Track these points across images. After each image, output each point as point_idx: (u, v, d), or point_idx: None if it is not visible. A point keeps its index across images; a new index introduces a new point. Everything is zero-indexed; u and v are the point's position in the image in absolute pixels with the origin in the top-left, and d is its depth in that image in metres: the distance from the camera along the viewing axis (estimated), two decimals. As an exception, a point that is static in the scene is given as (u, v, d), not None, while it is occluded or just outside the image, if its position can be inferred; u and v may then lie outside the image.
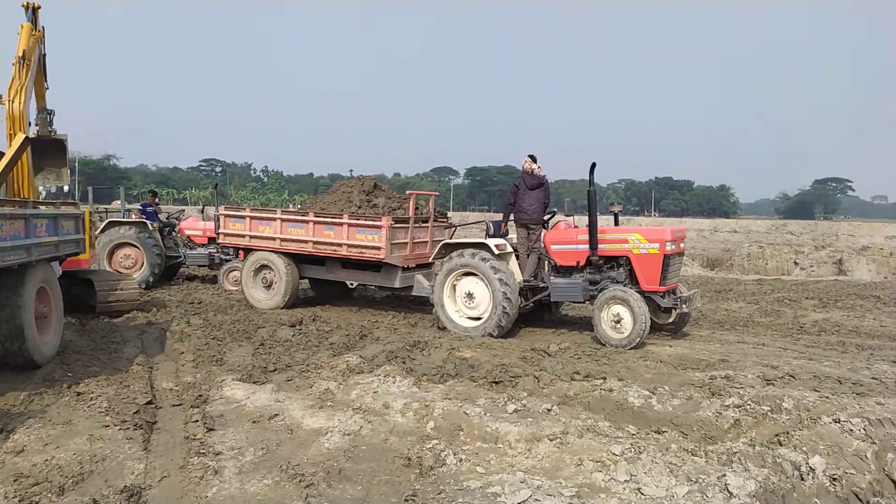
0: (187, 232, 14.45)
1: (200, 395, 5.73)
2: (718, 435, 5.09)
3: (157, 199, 15.08)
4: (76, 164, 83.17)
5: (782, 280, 16.83)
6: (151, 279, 13.48)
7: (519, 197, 8.96)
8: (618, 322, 8.00)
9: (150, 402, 5.45)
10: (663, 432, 5.07)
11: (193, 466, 4.13)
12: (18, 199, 6.69)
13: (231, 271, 12.97)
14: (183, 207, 16.72)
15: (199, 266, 14.48)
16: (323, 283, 11.78)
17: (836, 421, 4.91)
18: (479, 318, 8.93)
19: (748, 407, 5.40)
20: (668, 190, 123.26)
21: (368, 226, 9.65)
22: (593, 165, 8.35)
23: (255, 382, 6.34)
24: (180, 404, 5.56)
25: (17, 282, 6.22)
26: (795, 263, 23.45)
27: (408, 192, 10.33)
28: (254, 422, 5.09)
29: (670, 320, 8.81)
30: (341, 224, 9.81)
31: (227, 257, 13.55)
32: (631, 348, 7.84)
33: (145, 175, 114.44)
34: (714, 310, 11.16)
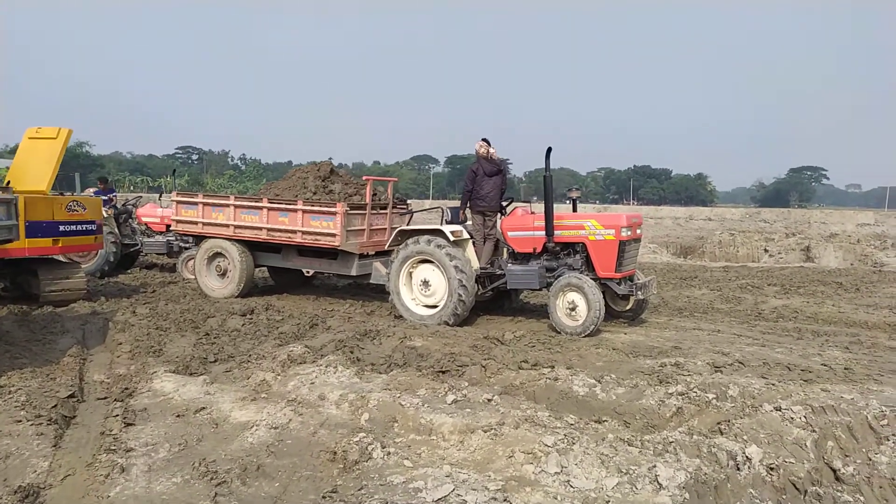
0: (144, 219, 14.10)
1: (127, 388, 5.50)
2: (660, 423, 4.98)
3: (108, 186, 14.65)
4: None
5: (748, 267, 16.86)
6: (106, 267, 13.14)
7: (477, 183, 8.77)
8: (573, 309, 7.87)
9: (72, 396, 5.20)
10: (603, 422, 4.94)
11: (101, 464, 3.91)
12: None
13: (189, 259, 12.64)
14: (140, 194, 16.28)
15: (158, 254, 14.16)
16: (282, 272, 11.54)
17: (778, 409, 4.82)
18: (435, 307, 8.76)
19: (692, 395, 5.30)
20: (647, 178, 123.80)
21: (323, 212, 9.40)
22: (549, 150, 8.18)
23: (191, 374, 6.11)
24: (105, 398, 5.32)
25: (-63, 270, 5.91)
26: (765, 251, 23.59)
27: (364, 177, 10.09)
28: (178, 416, 4.86)
29: (628, 307, 8.70)
30: (295, 210, 9.55)
31: (186, 245, 13.20)
32: (585, 336, 7.72)
33: (119, 163, 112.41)
34: (676, 297, 11.09)
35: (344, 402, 5.13)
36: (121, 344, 7.12)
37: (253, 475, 3.90)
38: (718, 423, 4.80)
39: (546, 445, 4.22)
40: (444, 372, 6.09)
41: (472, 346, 7.06)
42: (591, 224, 8.12)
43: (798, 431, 4.54)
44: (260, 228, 9.90)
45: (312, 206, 9.50)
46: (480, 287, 8.79)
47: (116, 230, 13.59)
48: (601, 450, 4.20)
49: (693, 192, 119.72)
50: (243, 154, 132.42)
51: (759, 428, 4.64)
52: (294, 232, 9.63)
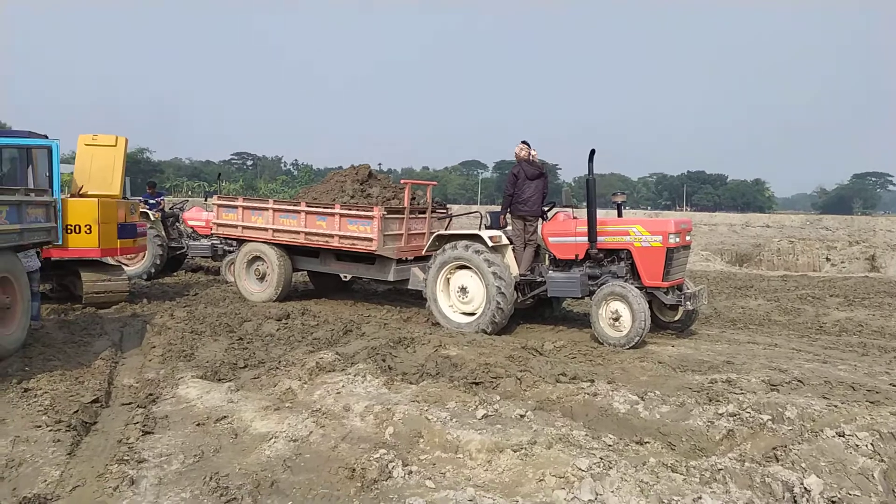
0: (191, 223, 14.24)
1: (151, 394, 5.39)
2: (708, 447, 4.58)
3: (156, 190, 14.88)
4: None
5: (809, 276, 16.02)
6: (153, 270, 13.32)
7: (518, 187, 8.47)
8: (616, 320, 7.48)
9: (95, 401, 5.12)
10: (645, 443, 4.57)
11: (111, 475, 3.76)
12: None
13: (232, 263, 12.68)
14: (187, 198, 16.51)
15: (203, 257, 14.27)
16: (321, 276, 11.44)
17: (841, 434, 4.37)
18: (472, 314, 8.48)
19: (745, 416, 4.88)
20: (701, 184, 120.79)
21: (360, 216, 9.24)
22: (592, 152, 7.82)
23: (219, 380, 5.99)
24: (130, 403, 5.22)
25: (-28, 271, 5.95)
26: (827, 260, 22.49)
27: (402, 181, 9.89)
28: (198, 424, 4.71)
29: (676, 318, 8.26)
30: (333, 214, 9.42)
31: (230, 249, 13.26)
32: (629, 348, 7.32)
33: (178, 168, 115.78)
34: (729, 307, 10.53)
35: (369, 414, 4.89)
36: (154, 347, 7.07)
37: (266, 492, 3.69)
38: (774, 449, 4.38)
39: (580, 469, 3.89)
40: (477, 384, 5.82)
41: (509, 357, 6.74)
42: (636, 230, 7.72)
43: (864, 460, 4.09)
44: (298, 232, 9.81)
45: (349, 209, 9.35)
46: (520, 294, 8.47)
47: (163, 233, 13.77)
48: (641, 476, 3.85)
49: (750, 198, 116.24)
50: (295, 159, 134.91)
51: (819, 455, 4.20)
52: (331, 236, 9.49)
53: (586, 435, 4.56)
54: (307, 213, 9.68)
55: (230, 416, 4.85)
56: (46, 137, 10.36)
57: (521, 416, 4.90)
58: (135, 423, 4.65)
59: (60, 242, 9.47)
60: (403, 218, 9.51)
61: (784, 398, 5.16)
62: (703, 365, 6.63)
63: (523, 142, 8.54)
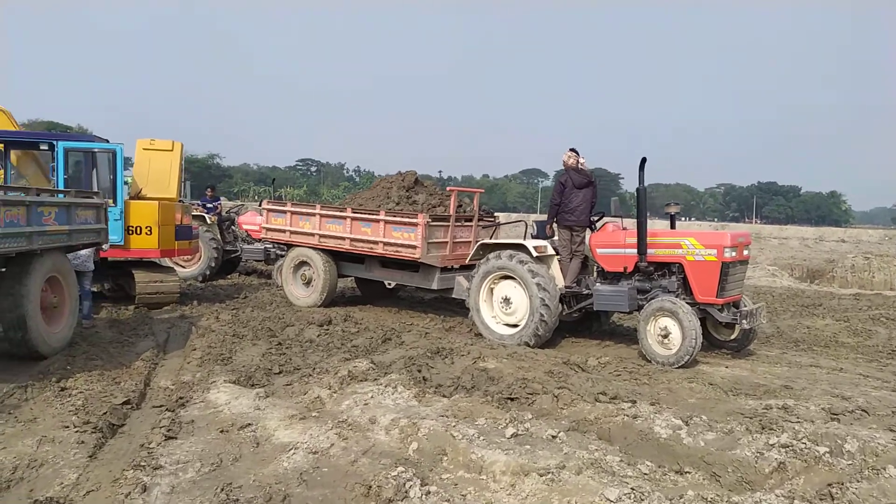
0: (245, 226, 14.47)
1: (181, 398, 5.39)
2: (756, 481, 4.22)
3: (214, 194, 15.21)
4: (183, 162, 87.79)
5: (884, 295, 15.00)
6: (208, 272, 13.61)
7: (565, 196, 8.19)
8: (665, 337, 7.11)
9: (127, 402, 5.14)
10: (685, 473, 4.25)
11: (126, 481, 3.72)
12: (22, 186, 6.61)
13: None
14: (243, 202, 16.84)
15: (256, 261, 14.48)
16: (368, 283, 11.40)
17: (907, 474, 3.95)
18: (516, 326, 8.24)
19: (800, 447, 4.49)
20: (772, 196, 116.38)
21: (405, 223, 9.14)
22: (643, 161, 7.47)
23: (253, 385, 5.96)
24: (161, 406, 5.23)
25: (22, 270, 6.12)
26: (906, 277, 21.10)
27: (448, 188, 9.75)
28: (222, 431, 4.66)
29: (732, 337, 7.80)
30: (378, 221, 9.35)
31: (282, 253, 13.41)
32: (679, 367, 6.93)
33: (246, 173, 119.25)
34: (793, 326, 9.90)
35: (394, 427, 4.74)
36: (195, 350, 7.13)
37: (277, 506, 3.58)
38: (829, 486, 3.99)
39: (608, 500, 3.62)
40: (511, 399, 5.59)
41: (548, 372, 6.48)
42: (689, 242, 7.33)
43: (932, 505, 3.67)
44: (343, 238, 9.79)
45: (394, 216, 9.26)
46: (565, 307, 8.18)
47: (219, 236, 14.05)
48: (675, 511, 3.55)
49: (825, 211, 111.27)
50: (358, 166, 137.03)
51: (880, 496, 3.81)
52: (376, 242, 9.43)
53: (621, 461, 4.28)
54: (353, 219, 9.65)
55: (255, 424, 4.78)
56: (108, 142, 10.75)
57: (553, 436, 4.65)
58: (160, 427, 4.63)
59: (123, 243, 9.84)
60: (448, 226, 9.36)
61: (845, 429, 4.74)
62: (758, 389, 6.20)
63: (571, 149, 8.26)
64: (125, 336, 7.81)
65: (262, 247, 13.93)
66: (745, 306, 7.53)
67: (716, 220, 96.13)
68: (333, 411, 5.18)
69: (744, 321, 7.19)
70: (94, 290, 11.20)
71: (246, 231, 14.50)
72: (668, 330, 7.07)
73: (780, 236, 45.77)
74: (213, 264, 13.66)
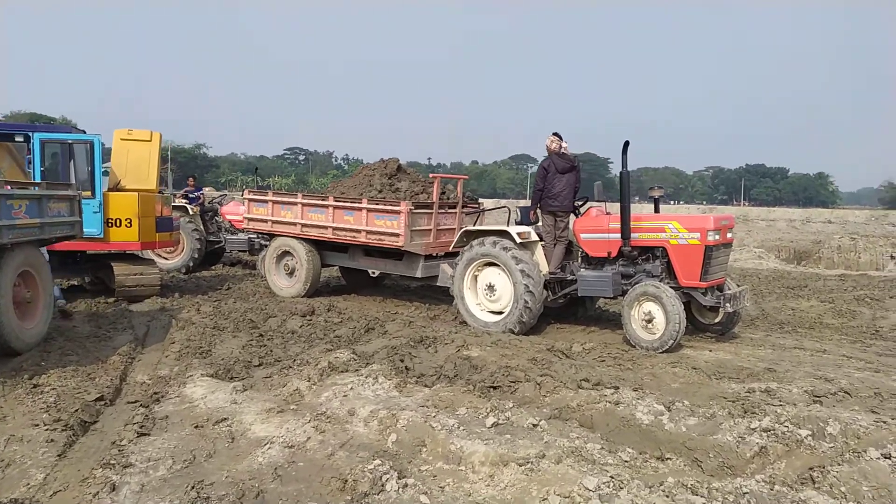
0: (229, 217, 14.29)
1: (157, 393, 5.29)
2: (737, 466, 4.19)
3: (197, 184, 15.03)
4: (169, 153, 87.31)
5: (869, 276, 15.05)
6: (191, 264, 13.45)
7: (548, 181, 8.11)
8: (649, 321, 7.06)
9: (100, 399, 5.04)
10: (666, 460, 4.21)
11: (94, 480, 3.64)
12: None
13: (267, 257, 12.69)
14: (225, 192, 16.64)
15: (240, 251, 14.32)
16: (353, 272, 11.29)
17: (888, 456, 3.93)
18: (500, 313, 8.17)
19: (781, 430, 4.46)
20: (760, 178, 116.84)
21: (387, 211, 9.03)
22: (626, 144, 7.39)
23: (232, 378, 5.87)
24: (136, 401, 5.13)
25: (-8, 265, 5.98)
26: (892, 258, 21.21)
27: (431, 175, 9.64)
28: (197, 426, 4.57)
29: (716, 320, 7.78)
30: (360, 209, 9.24)
31: (266, 243, 13.26)
32: (663, 351, 6.90)
33: (233, 163, 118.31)
34: (778, 308, 9.91)
35: (373, 419, 4.66)
36: (173, 343, 7.03)
37: (250, 503, 3.50)
38: (810, 470, 3.96)
39: (587, 489, 3.56)
40: (494, 388, 5.52)
41: (532, 359, 6.42)
42: (672, 226, 7.27)
43: (913, 488, 3.65)
44: (326, 227, 9.67)
45: (377, 204, 9.15)
46: (550, 293, 8.12)
47: (202, 227, 13.88)
48: (654, 499, 3.51)
49: (812, 192, 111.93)
50: (346, 154, 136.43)
51: (861, 479, 3.78)
52: (358, 231, 9.32)
53: (602, 448, 4.23)
54: (335, 207, 9.53)
55: (230, 419, 4.70)
56: (85, 133, 10.55)
57: (534, 425, 4.59)
58: (133, 424, 4.54)
59: (102, 236, 9.67)
60: (432, 213, 9.26)
61: (827, 412, 4.72)
62: (742, 372, 6.17)
63: (554, 133, 8.17)
64: (103, 330, 7.68)
65: (246, 237, 13.76)
66: (729, 289, 7.49)
67: (704, 203, 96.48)
68: (312, 403, 5.10)
69: (727, 304, 7.16)
70: (75, 283, 11.09)
71: (229, 221, 14.32)
72: (651, 315, 7.03)
73: (768, 218, 46.00)
74: (196, 256, 13.50)
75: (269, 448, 4.17)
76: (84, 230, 9.41)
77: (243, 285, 11.50)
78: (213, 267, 14.42)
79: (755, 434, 4.45)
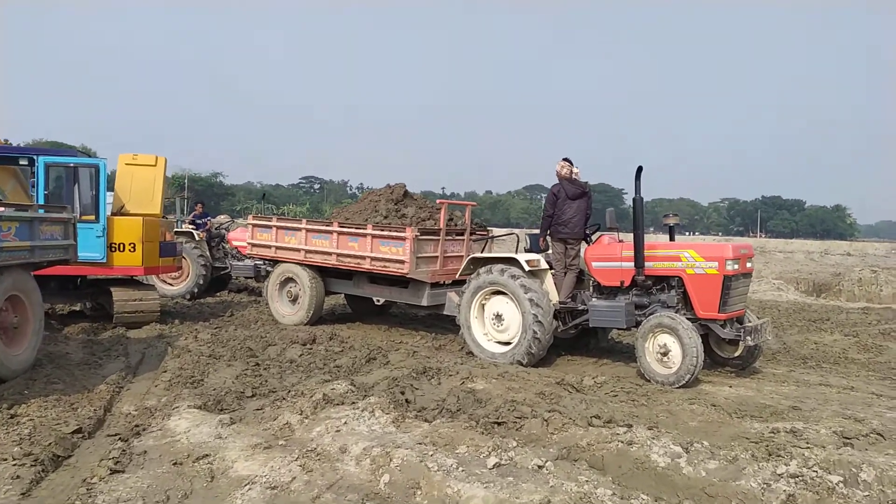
0: (235, 243, 14.10)
1: (138, 425, 4.99)
2: (762, 516, 3.80)
3: (205, 210, 14.91)
4: (186, 181, 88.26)
5: (893, 309, 14.52)
6: (196, 290, 13.25)
7: (558, 208, 7.83)
8: (665, 354, 6.70)
9: (78, 431, 4.75)
10: (683, 508, 3.83)
11: (55, 523, 3.32)
12: None
13: (272, 284, 12.44)
14: (231, 219, 16.50)
15: (246, 278, 14.10)
16: (359, 299, 11.02)
17: (932, 509, 3.53)
18: (508, 343, 7.84)
19: (810, 476, 4.08)
20: (777, 210, 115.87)
21: (392, 237, 8.76)
22: (639, 170, 7.12)
23: (221, 410, 5.56)
24: (116, 434, 4.83)
25: (-23, 289, 5.76)
26: (916, 290, 20.60)
27: (438, 201, 9.39)
28: (175, 463, 4.25)
29: (736, 354, 7.38)
30: (365, 235, 8.98)
31: (272, 269, 13.04)
32: (679, 387, 6.52)
33: (249, 192, 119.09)
34: (801, 342, 9.46)
35: (366, 457, 4.32)
36: (165, 372, 6.73)
37: (221, 552, 3.17)
38: (844, 523, 3.58)
39: (595, 542, 3.20)
40: (499, 423, 5.17)
41: (540, 393, 6.08)
42: (688, 255, 6.94)
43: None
44: (330, 253, 9.42)
45: (382, 230, 8.89)
46: (560, 324, 7.78)
47: (207, 253, 13.69)
48: (671, 555, 3.13)
49: (830, 224, 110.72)
50: (361, 183, 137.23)
51: (903, 535, 3.38)
52: (363, 258, 9.05)
53: (613, 494, 3.86)
54: (339, 233, 9.29)
55: (213, 455, 4.38)
56: (90, 156, 10.44)
57: (539, 466, 4.23)
58: (109, 459, 4.23)
59: (105, 261, 9.48)
60: (439, 240, 8.99)
61: (859, 455, 4.33)
62: (765, 410, 5.78)
63: (565, 159, 7.91)
64: (96, 357, 7.42)
65: (253, 263, 13.55)
66: (750, 322, 7.12)
67: (720, 234, 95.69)
68: (302, 439, 4.77)
69: (748, 337, 6.77)
70: (76, 309, 10.88)
71: (236, 248, 14.13)
72: (667, 347, 6.66)
73: (786, 250, 45.30)
74: (201, 282, 13.30)
75: (250, 489, 3.85)
76: (87, 254, 9.31)
77: (247, 312, 11.24)
78: (218, 293, 14.19)
79: (782, 480, 4.07)
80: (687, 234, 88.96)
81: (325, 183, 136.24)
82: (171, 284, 13.26)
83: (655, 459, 4.44)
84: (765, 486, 4.02)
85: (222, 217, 16.13)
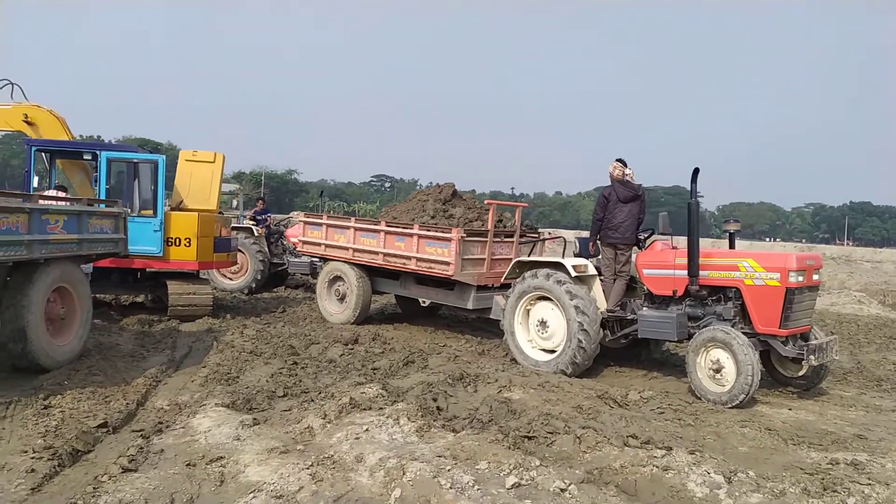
0: (293, 239, 14.27)
1: (161, 422, 4.99)
2: (807, 562, 3.41)
3: (265, 207, 15.16)
4: (262, 178, 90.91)
5: None
6: (254, 285, 13.48)
7: (609, 211, 7.46)
8: (717, 371, 6.24)
9: (103, 425, 4.78)
10: (717, 547, 3.47)
11: (54, 522, 3.30)
12: (19, 192, 6.44)
13: (326, 282, 12.51)
14: (291, 215, 16.74)
15: (302, 274, 14.26)
16: (409, 300, 10.90)
17: None
18: (553, 352, 7.53)
19: (868, 520, 3.64)
20: (866, 216, 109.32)
21: (438, 238, 8.59)
22: (695, 171, 6.67)
23: (251, 409, 5.51)
24: (141, 430, 4.84)
25: (25, 280, 5.93)
26: None
27: (487, 201, 9.14)
28: (188, 464, 4.20)
29: (801, 373, 6.82)
30: (411, 235, 8.85)
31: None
32: (732, 407, 6.06)
33: (322, 189, 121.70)
34: (878, 362, 8.71)
35: (380, 469, 4.15)
36: (204, 367, 6.78)
37: (211, 564, 3.06)
38: (903, 576, 3.15)
39: (607, 582, 2.91)
40: (529, 438, 4.90)
41: (577, 407, 5.76)
42: (748, 264, 6.45)
43: None
44: (377, 253, 9.34)
45: (427, 230, 8.73)
46: (608, 333, 7.42)
47: (266, 249, 13.91)
48: None
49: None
50: (430, 181, 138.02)
51: None
52: (409, 258, 8.92)
53: (638, 526, 3.54)
54: (386, 232, 9.19)
55: (227, 458, 4.31)
56: (152, 153, 10.76)
57: (562, 490, 3.95)
58: (125, 457, 4.22)
59: (161, 254, 9.76)
60: (486, 241, 8.75)
61: (930, 497, 3.84)
62: (825, 437, 5.29)
63: (618, 160, 7.52)
64: (144, 349, 7.58)
65: (309, 260, 13.69)
66: (815, 339, 6.56)
67: (804, 241, 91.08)
68: (321, 445, 4.65)
69: (811, 356, 6.23)
70: (138, 300, 11.23)
71: (293, 244, 14.30)
72: (720, 363, 6.21)
73: (874, 259, 42.51)
74: (259, 277, 13.53)
75: (254, 498, 3.73)
76: (145, 248, 9.59)
77: (298, 309, 11.32)
78: (276, 289, 14.41)
79: (834, 521, 3.65)
80: (767, 240, 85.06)
81: (396, 181, 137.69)
82: (230, 279, 13.55)
83: (692, 489, 4.09)
84: (813, 527, 3.61)
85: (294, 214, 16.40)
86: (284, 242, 14.57)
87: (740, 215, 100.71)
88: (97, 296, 10.23)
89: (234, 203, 18.71)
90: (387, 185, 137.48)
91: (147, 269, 10.24)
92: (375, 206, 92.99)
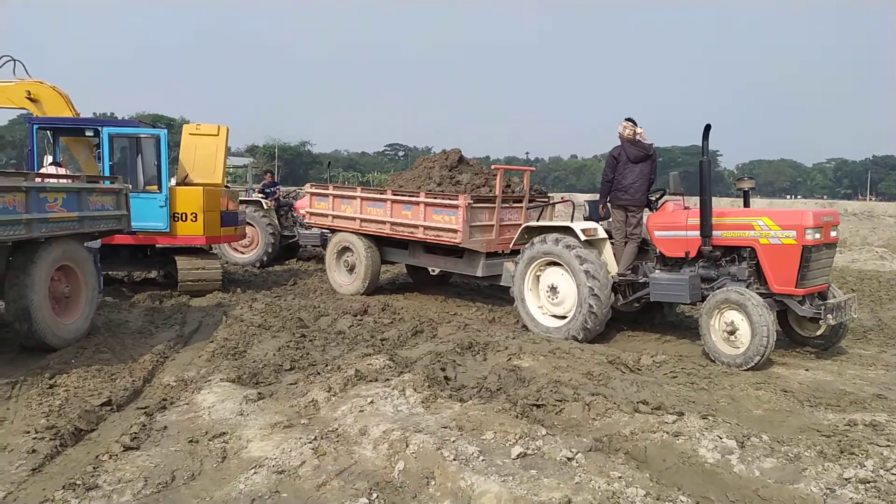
0: (302, 211, 14.20)
1: (165, 399, 4.95)
2: (822, 528, 3.30)
3: (274, 179, 15.06)
4: (276, 150, 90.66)
5: None
6: (265, 258, 13.47)
7: (619, 172, 7.25)
8: (732, 333, 6.10)
9: (107, 403, 4.76)
10: (727, 515, 3.37)
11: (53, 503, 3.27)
12: (17, 171, 6.37)
13: (336, 253, 12.44)
14: (300, 188, 16.64)
15: (314, 246, 14.22)
16: (419, 269, 10.82)
17: None
18: (564, 318, 7.41)
19: (885, 482, 3.53)
20: (889, 170, 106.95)
21: (445, 205, 8.44)
22: (707, 128, 6.44)
23: (256, 384, 5.46)
24: (146, 407, 4.82)
25: (28, 259, 5.89)
26: None
27: (494, 166, 8.95)
28: (191, 441, 4.16)
29: (819, 333, 6.66)
30: (418, 203, 8.70)
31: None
32: (747, 369, 5.92)
33: (336, 160, 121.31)
34: (899, 319, 8.51)
35: (384, 441, 4.08)
36: (211, 342, 6.74)
37: (208, 543, 3.02)
38: (922, 543, 3.03)
39: (612, 553, 2.83)
40: (538, 406, 4.82)
41: (587, 373, 5.66)
42: (763, 223, 6.24)
43: None
44: (384, 222, 9.21)
45: (434, 198, 8.58)
46: (620, 297, 7.27)
47: (276, 222, 13.86)
48: (698, 575, 2.72)
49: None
50: (444, 149, 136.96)
51: None
52: (416, 226, 8.79)
53: (646, 495, 3.45)
54: (392, 201, 9.05)
55: (230, 433, 4.26)
56: (153, 127, 10.65)
57: (569, 458, 3.86)
58: (128, 435, 4.19)
59: (168, 230, 9.72)
60: (494, 208, 8.59)
61: (951, 459, 3.71)
62: (843, 398, 5.15)
63: (628, 119, 7.28)
64: (153, 325, 7.57)
65: (319, 231, 13.62)
66: (833, 297, 6.37)
67: (825, 197, 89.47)
68: (325, 418, 4.59)
69: (829, 315, 6.05)
70: (150, 276, 11.24)
71: (303, 216, 14.23)
72: (735, 325, 6.06)
73: (897, 214, 41.73)
74: (270, 250, 13.51)
75: (255, 473, 3.68)
76: (152, 224, 9.55)
77: (309, 281, 11.26)
78: (287, 262, 14.38)
79: (849, 485, 3.54)
80: (789, 197, 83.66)
81: (410, 150, 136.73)
82: (241, 252, 13.53)
83: (703, 454, 3.99)
84: (828, 491, 3.50)
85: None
86: (294, 214, 14.51)
87: (760, 173, 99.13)
88: (108, 273, 10.27)
89: (248, 176, 18.65)
90: (400, 153, 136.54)
91: (156, 245, 10.24)
92: (389, 176, 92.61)
